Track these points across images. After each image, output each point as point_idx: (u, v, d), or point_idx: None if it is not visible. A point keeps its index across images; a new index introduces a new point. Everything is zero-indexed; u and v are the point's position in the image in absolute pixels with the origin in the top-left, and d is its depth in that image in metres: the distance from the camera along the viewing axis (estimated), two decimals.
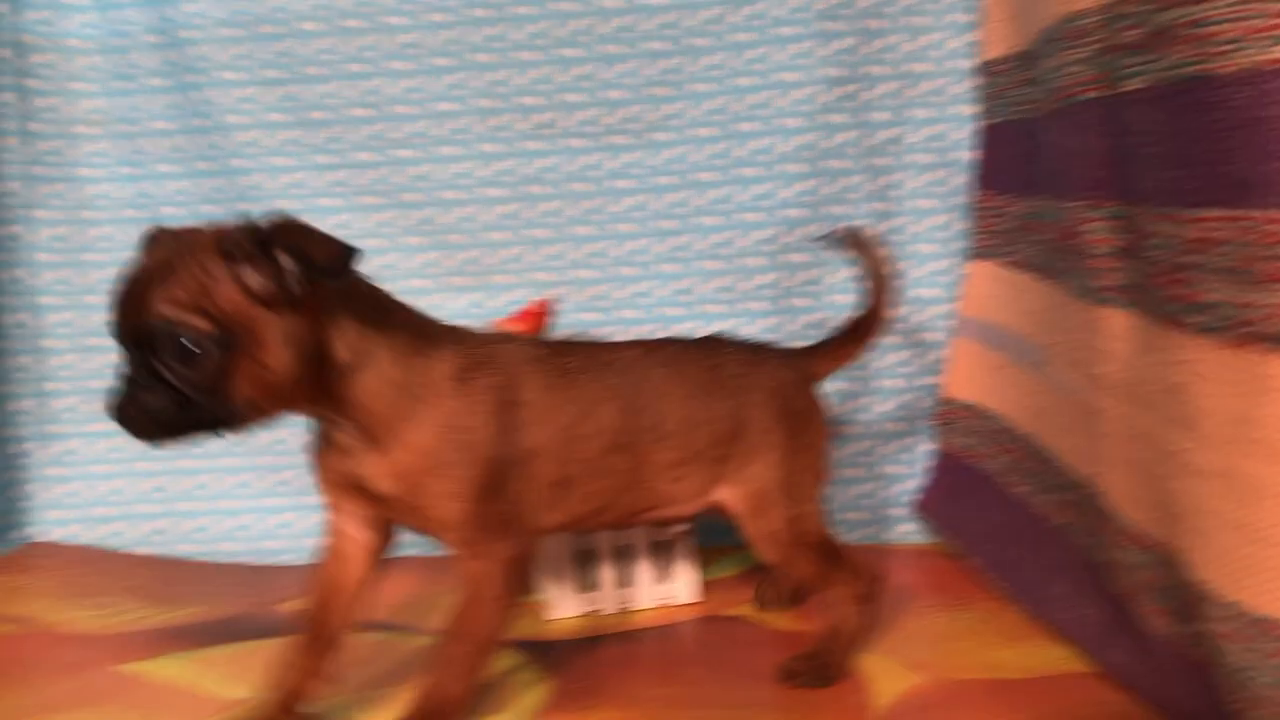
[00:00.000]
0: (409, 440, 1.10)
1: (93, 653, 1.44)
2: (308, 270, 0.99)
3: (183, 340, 0.97)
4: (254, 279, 1.00)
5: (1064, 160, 1.36)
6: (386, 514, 1.18)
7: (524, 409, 1.17)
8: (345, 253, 1.00)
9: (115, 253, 1.92)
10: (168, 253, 1.00)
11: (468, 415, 1.13)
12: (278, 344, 1.01)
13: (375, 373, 1.09)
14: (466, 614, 1.14)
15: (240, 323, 0.99)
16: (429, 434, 1.11)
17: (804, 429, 1.34)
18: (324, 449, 1.16)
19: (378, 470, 1.11)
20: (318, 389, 1.06)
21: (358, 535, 1.20)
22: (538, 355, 1.22)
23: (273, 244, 0.99)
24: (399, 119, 1.90)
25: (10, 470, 1.90)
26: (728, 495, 1.30)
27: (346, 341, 1.07)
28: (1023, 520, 1.55)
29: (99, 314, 1.92)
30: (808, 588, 1.40)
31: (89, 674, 1.37)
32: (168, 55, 1.90)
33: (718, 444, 1.28)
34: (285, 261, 0.99)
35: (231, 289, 0.99)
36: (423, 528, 1.17)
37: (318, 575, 1.21)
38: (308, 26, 1.89)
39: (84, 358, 1.93)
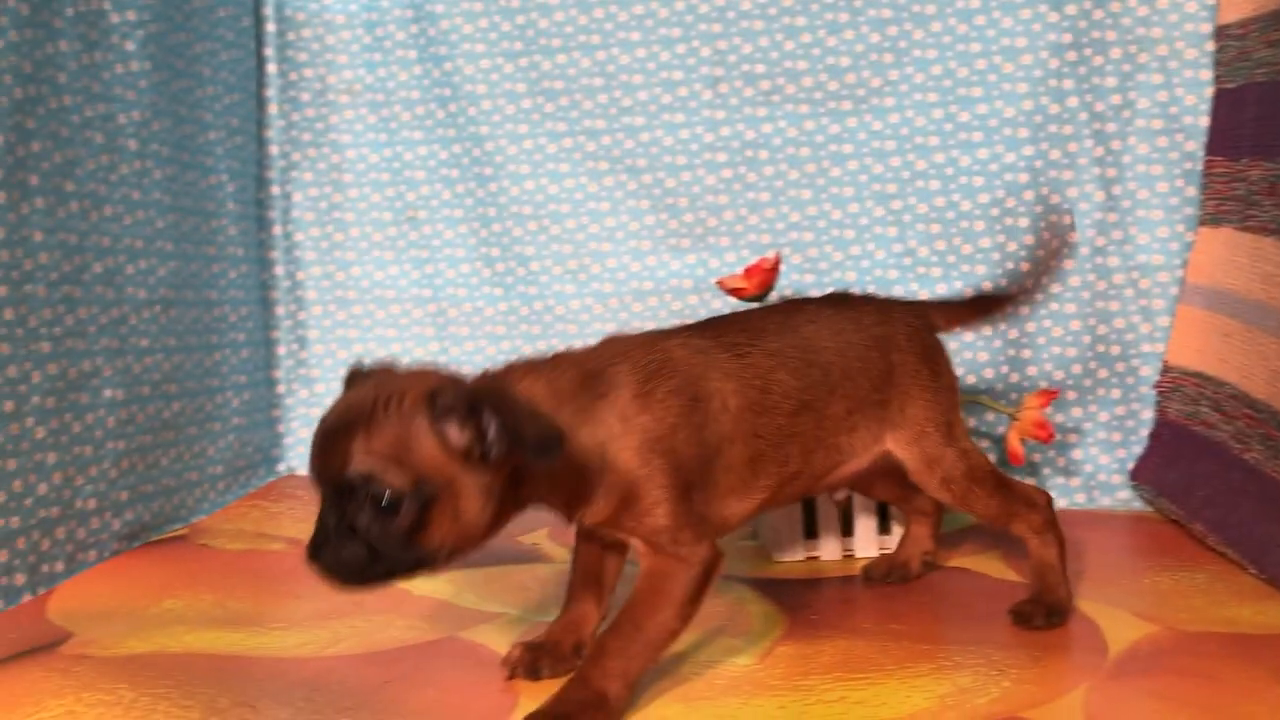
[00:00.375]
0: (610, 480, 1.10)
1: None
2: (516, 445, 0.98)
3: (379, 495, 0.96)
4: (457, 437, 0.99)
5: None
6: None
7: (710, 401, 1.17)
8: (555, 435, 0.98)
9: (366, 213, 2.09)
10: (371, 401, 0.99)
11: (657, 426, 1.12)
12: (474, 497, 1.00)
13: (570, 464, 1.08)
14: (650, 611, 1.10)
15: (439, 478, 0.98)
16: (630, 459, 1.10)
17: (943, 369, 1.38)
18: None
19: (586, 515, 1.13)
20: (512, 514, 1.08)
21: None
22: (702, 345, 1.21)
23: (482, 410, 0.98)
24: (629, 88, 2.00)
25: (271, 409, 2.09)
26: (895, 442, 1.33)
27: (539, 469, 1.05)
28: (1254, 486, 1.54)
29: (351, 268, 2.09)
30: (995, 527, 1.38)
31: None
32: (417, 29, 2.05)
33: (876, 388, 1.31)
34: (491, 428, 0.98)
35: (433, 445, 0.98)
36: (627, 536, 1.16)
37: (579, 545, 1.25)
38: (548, 0, 2.01)
39: (337, 309, 2.10)
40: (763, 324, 1.28)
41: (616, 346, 1.17)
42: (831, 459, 1.30)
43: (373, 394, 1.00)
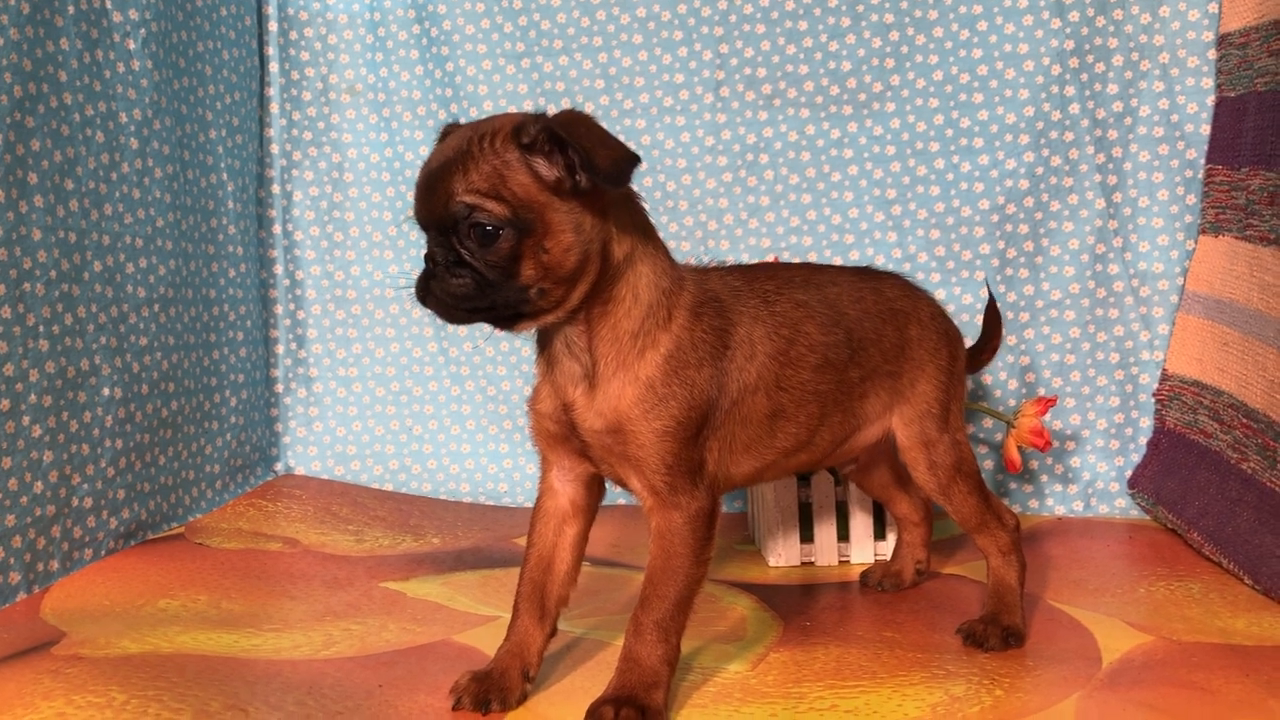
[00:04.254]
0: (635, 370, 1.10)
1: (354, 571, 1.59)
2: (589, 173, 1.02)
3: (482, 224, 1.02)
4: (545, 168, 1.03)
5: None
6: (590, 463, 1.16)
7: (739, 349, 1.16)
8: (627, 160, 1.03)
9: (367, 213, 2.09)
10: (465, 142, 1.04)
11: (692, 352, 1.12)
12: (565, 230, 1.04)
13: (636, 281, 1.10)
14: (669, 575, 1.11)
15: (533, 208, 1.03)
16: (655, 366, 1.10)
17: (960, 357, 1.40)
18: (540, 391, 1.16)
19: (593, 404, 1.10)
20: (588, 286, 1.08)
21: (569, 492, 1.19)
22: (737, 288, 1.20)
23: (563, 138, 1.01)
24: (631, 90, 2.00)
25: (269, 408, 2.09)
26: (899, 416, 1.33)
27: (620, 244, 1.09)
28: (1251, 496, 1.54)
29: (351, 268, 2.09)
30: (965, 529, 1.36)
31: (354, 589, 1.51)
32: (420, 29, 2.05)
33: (888, 359, 1.31)
34: (574, 155, 1.02)
35: (525, 176, 1.03)
36: (620, 472, 1.13)
37: (533, 542, 1.20)
38: (550, 1, 2.00)
39: (336, 308, 2.10)
40: (789, 275, 1.29)
41: (690, 267, 1.20)
42: (846, 424, 1.30)
43: (467, 134, 1.05)
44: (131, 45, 1.66)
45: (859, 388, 1.29)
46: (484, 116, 1.13)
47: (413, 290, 1.08)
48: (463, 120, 2.02)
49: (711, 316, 1.15)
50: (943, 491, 1.34)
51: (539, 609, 1.18)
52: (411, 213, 1.09)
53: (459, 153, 1.04)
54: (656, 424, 1.09)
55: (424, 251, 1.07)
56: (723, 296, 1.17)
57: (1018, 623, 1.30)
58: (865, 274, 1.38)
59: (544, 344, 1.14)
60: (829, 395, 1.25)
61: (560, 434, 1.14)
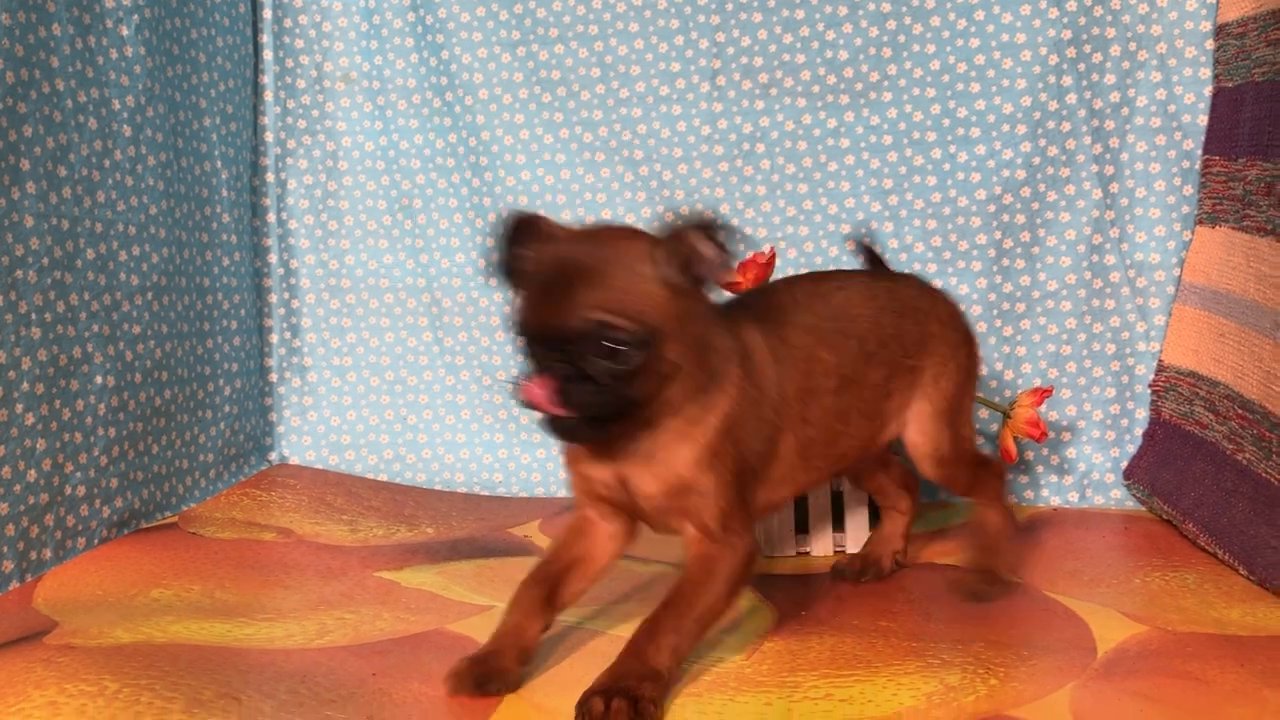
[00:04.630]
0: (694, 436, 1.12)
1: (348, 561, 1.59)
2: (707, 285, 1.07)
3: (609, 341, 1.02)
4: (675, 279, 1.05)
5: None
6: (636, 516, 1.19)
7: (770, 394, 1.19)
8: (730, 262, 1.06)
9: (361, 201, 2.08)
10: (593, 257, 1.04)
11: (741, 409, 1.15)
12: (680, 341, 1.06)
13: (711, 357, 1.12)
14: (702, 592, 1.11)
15: (660, 324, 1.04)
16: (712, 430, 1.12)
17: (976, 357, 1.43)
18: (587, 458, 1.16)
19: (650, 470, 1.12)
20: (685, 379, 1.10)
21: (608, 528, 1.21)
22: (752, 327, 1.21)
23: (692, 260, 1.05)
24: (627, 79, 1.99)
25: (264, 397, 2.09)
26: (915, 413, 1.35)
27: (703, 326, 1.11)
28: (1246, 486, 1.54)
29: (345, 257, 2.08)
30: (962, 493, 1.44)
31: (348, 579, 1.51)
32: (414, 17, 2.04)
33: (910, 353, 1.33)
34: (701, 273, 1.05)
35: (660, 293, 1.04)
36: (674, 523, 1.16)
37: (561, 546, 1.21)
38: None
39: (330, 297, 2.09)
40: (791, 298, 1.29)
41: (727, 310, 1.22)
42: (873, 427, 1.32)
43: (595, 251, 1.05)
44: (124, 31, 1.65)
45: (883, 387, 1.31)
46: (605, 224, 1.17)
47: (533, 396, 1.03)
48: (457, 109, 2.02)
49: (750, 369, 1.17)
50: (941, 478, 1.39)
51: (545, 601, 1.18)
52: (519, 320, 1.05)
53: (588, 268, 1.03)
54: (714, 479, 1.13)
55: (527, 359, 1.06)
56: (749, 345, 1.19)
57: (1000, 565, 1.36)
58: (879, 275, 1.40)
59: None
60: (851, 409, 1.28)
61: (611, 498, 1.17)
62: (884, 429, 1.34)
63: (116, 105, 1.64)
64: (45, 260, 1.49)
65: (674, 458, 1.12)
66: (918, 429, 1.35)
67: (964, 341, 1.40)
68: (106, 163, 1.62)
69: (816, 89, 1.94)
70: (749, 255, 1.80)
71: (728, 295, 1.84)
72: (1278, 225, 1.50)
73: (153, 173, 1.73)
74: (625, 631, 1.29)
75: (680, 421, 1.11)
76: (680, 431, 1.12)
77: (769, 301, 1.29)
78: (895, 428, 1.36)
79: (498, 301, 2.05)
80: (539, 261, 1.06)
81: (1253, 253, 1.58)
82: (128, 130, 1.67)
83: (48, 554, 1.48)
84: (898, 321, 1.32)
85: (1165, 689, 1.12)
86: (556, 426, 1.05)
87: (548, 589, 1.18)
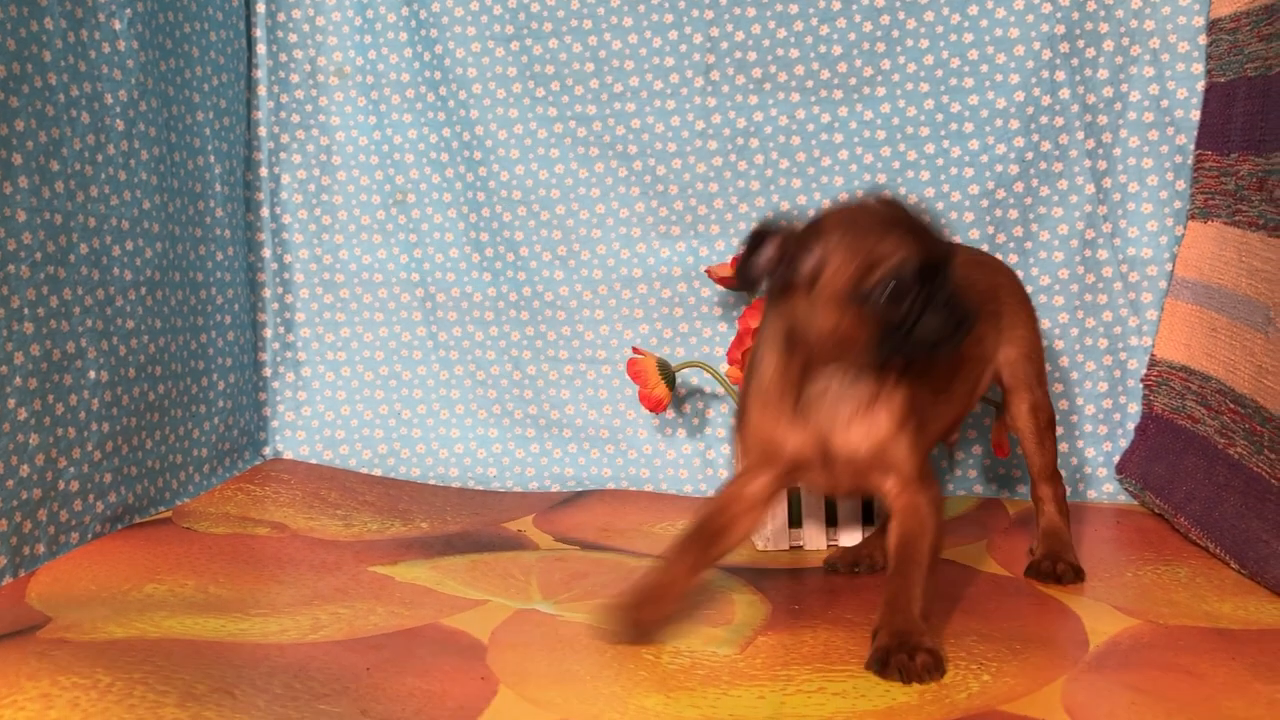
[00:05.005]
0: (891, 402, 1.24)
1: (342, 555, 1.59)
2: None
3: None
4: None
5: None
6: (818, 478, 1.29)
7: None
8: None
9: (355, 196, 2.08)
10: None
11: (919, 378, 1.27)
12: None
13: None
14: (918, 544, 1.23)
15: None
16: (904, 396, 1.25)
17: (1038, 320, 1.57)
18: (780, 424, 1.26)
19: (852, 435, 1.24)
20: None
21: (763, 488, 1.30)
22: None
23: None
24: (620, 73, 1.99)
25: (257, 392, 2.09)
26: (1005, 357, 1.48)
27: None
28: (1238, 481, 1.54)
29: (340, 251, 2.08)
30: (1038, 475, 1.52)
31: (343, 573, 1.51)
32: (408, 11, 2.03)
33: (988, 299, 1.44)
34: None
35: None
36: (870, 481, 1.28)
37: (718, 509, 1.31)
38: None
39: (324, 291, 2.09)
40: None
41: None
42: (978, 370, 1.45)
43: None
44: (117, 25, 1.65)
45: (975, 336, 1.39)
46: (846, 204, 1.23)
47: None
48: (451, 103, 2.02)
49: None
50: (1038, 435, 1.51)
51: (699, 557, 1.29)
52: (914, 255, 1.14)
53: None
54: (909, 438, 1.26)
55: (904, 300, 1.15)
56: None
57: (1077, 561, 1.47)
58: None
59: (790, 391, 1.24)
60: (963, 354, 1.38)
61: (798, 459, 1.27)
62: (985, 369, 1.47)
63: (109, 99, 1.64)
64: (38, 255, 1.48)
65: (879, 416, 1.24)
66: (1009, 373, 1.49)
67: (1026, 298, 1.53)
68: (99, 157, 1.62)
69: (810, 84, 1.94)
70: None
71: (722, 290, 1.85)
72: (1269, 220, 1.50)
73: (146, 167, 1.73)
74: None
75: (883, 391, 1.24)
76: (883, 392, 1.24)
77: None
78: (992, 371, 1.49)
79: (491, 296, 2.05)
80: (893, 210, 1.18)
81: (1244, 247, 1.58)
82: (120, 125, 1.66)
83: (41, 549, 1.48)
84: (969, 271, 1.40)
85: (1157, 682, 1.13)
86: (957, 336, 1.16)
87: (703, 546, 1.29)
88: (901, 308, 1.14)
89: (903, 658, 1.13)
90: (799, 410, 1.25)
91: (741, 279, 1.20)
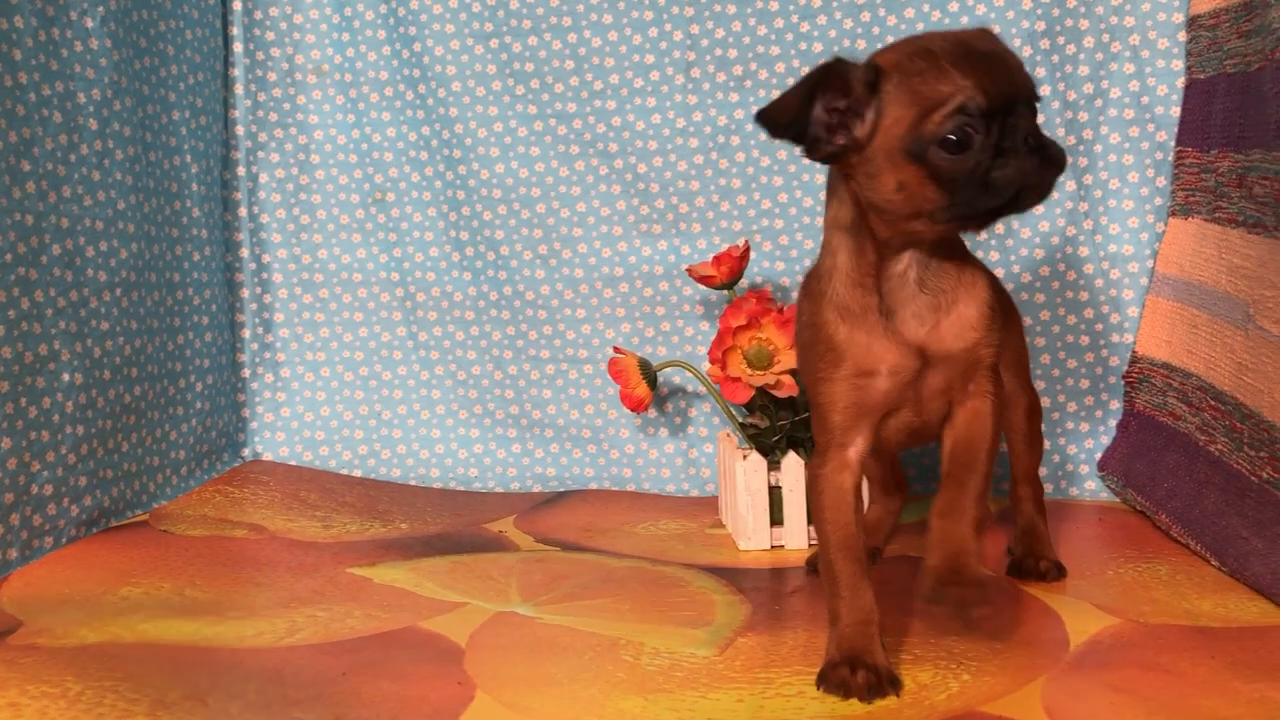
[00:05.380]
0: (975, 294, 1.14)
1: (321, 557, 1.58)
2: None
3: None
4: None
5: None
6: (909, 409, 1.16)
7: None
8: None
9: (334, 195, 2.06)
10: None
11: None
12: None
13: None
14: (978, 452, 1.15)
15: None
16: (985, 288, 1.16)
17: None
18: (859, 352, 1.13)
19: (943, 330, 1.12)
20: None
21: (855, 469, 1.17)
22: None
23: None
24: (601, 71, 1.97)
25: (236, 393, 2.07)
26: (1004, 361, 1.35)
27: None
28: (1218, 478, 1.54)
29: (319, 251, 2.07)
30: (1021, 476, 1.51)
31: (321, 575, 1.50)
32: (386, 9, 2.02)
33: None
34: None
35: None
36: (948, 381, 1.14)
37: (843, 522, 1.17)
38: None
39: (303, 291, 2.07)
40: None
41: None
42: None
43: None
44: (90, 23, 1.63)
45: None
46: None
47: (1009, 173, 1.02)
48: (430, 101, 2.01)
49: None
50: (1030, 437, 1.50)
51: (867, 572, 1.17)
52: (979, 91, 1.01)
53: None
54: (994, 336, 1.16)
55: (986, 138, 1.01)
56: None
57: (1058, 557, 1.47)
58: None
59: (871, 289, 1.12)
60: None
61: (897, 388, 1.13)
62: None
63: (82, 99, 1.62)
64: (9, 256, 1.47)
65: (968, 314, 1.13)
66: (1009, 377, 1.39)
67: (1013, 304, 1.48)
68: (72, 157, 1.60)
69: (791, 80, 1.92)
70: (724, 249, 1.80)
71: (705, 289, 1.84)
72: (1249, 217, 1.50)
73: (120, 167, 1.71)
74: (593, 626, 1.29)
75: (963, 282, 1.14)
76: (965, 291, 1.13)
77: None
78: None
79: (472, 295, 2.04)
80: (972, 37, 1.05)
81: (1224, 244, 1.58)
82: (94, 124, 1.65)
83: (14, 554, 1.47)
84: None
85: (1137, 681, 1.12)
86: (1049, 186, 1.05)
87: (865, 561, 1.17)
88: (970, 155, 1.01)
89: (953, 591, 1.05)
90: (884, 314, 1.12)
91: (798, 140, 1.05)
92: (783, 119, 1.05)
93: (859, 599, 1.14)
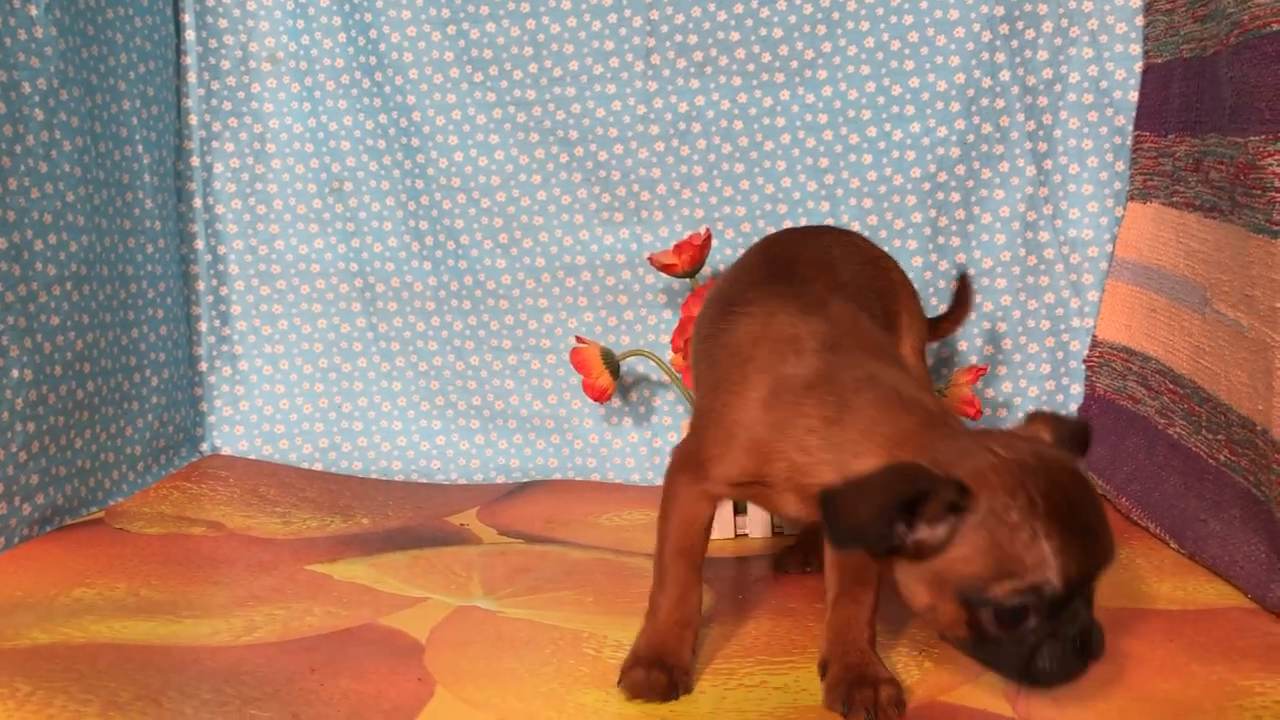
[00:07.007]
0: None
1: (280, 554, 1.55)
2: None
3: None
4: None
5: (1245, 95, 1.34)
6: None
7: None
8: None
9: (290, 185, 2.03)
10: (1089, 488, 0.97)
11: None
12: None
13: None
14: (867, 563, 1.10)
15: None
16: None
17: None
18: None
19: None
20: None
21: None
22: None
23: None
24: (560, 57, 1.95)
25: (193, 387, 2.04)
26: (907, 348, 1.37)
27: None
28: (1177, 461, 1.55)
29: (275, 242, 2.04)
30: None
31: (280, 573, 1.48)
32: None
33: (881, 301, 1.33)
34: None
35: None
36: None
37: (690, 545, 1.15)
38: None
39: (260, 283, 2.04)
40: (809, 272, 1.24)
41: None
42: None
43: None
44: (34, 10, 1.59)
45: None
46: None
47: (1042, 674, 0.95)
48: (387, 89, 1.98)
49: None
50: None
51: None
52: (1060, 577, 0.91)
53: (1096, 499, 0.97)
54: None
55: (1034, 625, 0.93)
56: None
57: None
58: (830, 229, 1.48)
59: None
60: None
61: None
62: None
63: (27, 88, 1.58)
64: None
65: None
66: (914, 365, 1.36)
67: (915, 293, 1.45)
68: (18, 148, 1.56)
69: (751, 67, 1.92)
70: (685, 237, 1.79)
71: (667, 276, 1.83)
72: (1206, 201, 1.51)
73: (68, 158, 1.67)
74: (555, 620, 1.28)
75: None
76: None
77: (802, 284, 1.22)
78: None
79: (432, 285, 2.02)
80: (1061, 493, 0.93)
81: (1182, 228, 1.59)
82: (40, 114, 1.61)
83: None
84: (864, 269, 1.35)
85: (1096, 666, 1.12)
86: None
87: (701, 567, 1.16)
88: (1021, 632, 0.93)
89: (867, 693, 1.03)
90: None
91: (838, 536, 0.94)
92: (866, 536, 0.93)
93: (686, 601, 1.13)
